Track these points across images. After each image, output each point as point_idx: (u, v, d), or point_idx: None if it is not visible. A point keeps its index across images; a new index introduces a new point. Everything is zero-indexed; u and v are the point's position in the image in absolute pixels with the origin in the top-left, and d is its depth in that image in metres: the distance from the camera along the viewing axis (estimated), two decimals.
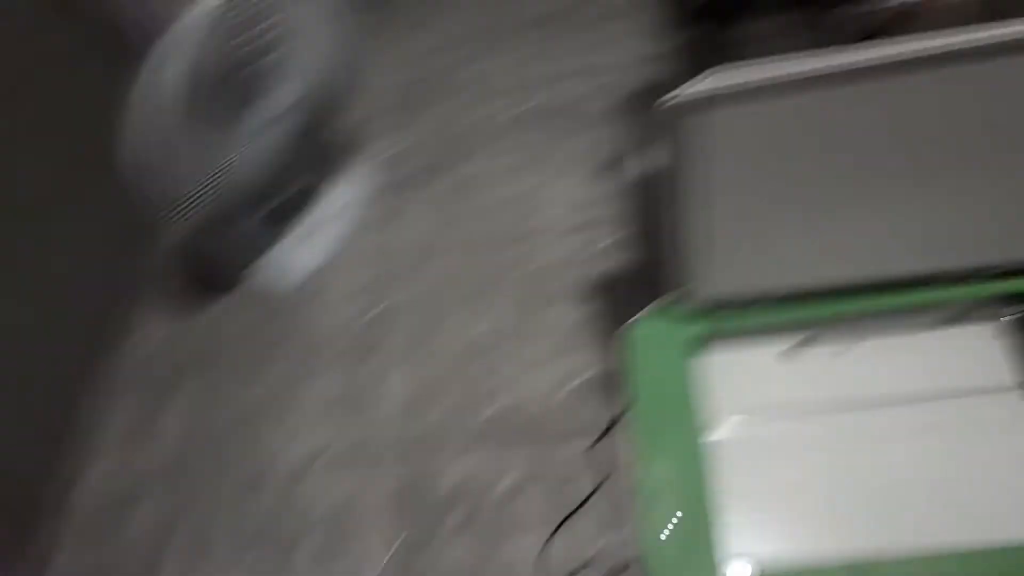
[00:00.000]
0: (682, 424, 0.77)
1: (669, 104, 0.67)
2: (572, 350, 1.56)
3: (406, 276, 1.77)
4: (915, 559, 0.67)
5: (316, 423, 1.55)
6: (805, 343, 0.83)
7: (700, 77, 0.68)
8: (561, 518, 1.35)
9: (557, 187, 1.82)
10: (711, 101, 0.67)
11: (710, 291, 0.80)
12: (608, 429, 0.99)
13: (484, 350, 1.62)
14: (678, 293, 0.81)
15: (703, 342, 0.84)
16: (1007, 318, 0.80)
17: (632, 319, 0.85)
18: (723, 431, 0.80)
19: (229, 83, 1.30)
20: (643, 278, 1.64)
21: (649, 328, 0.84)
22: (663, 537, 0.71)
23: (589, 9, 2.18)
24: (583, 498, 1.34)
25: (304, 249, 1.73)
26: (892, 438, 0.76)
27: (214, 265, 1.79)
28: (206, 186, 1.30)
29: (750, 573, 0.69)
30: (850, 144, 0.69)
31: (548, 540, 1.32)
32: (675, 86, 0.68)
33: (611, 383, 1.49)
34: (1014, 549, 0.66)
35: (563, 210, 1.78)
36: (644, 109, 1.88)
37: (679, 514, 0.72)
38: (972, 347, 0.80)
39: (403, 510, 1.43)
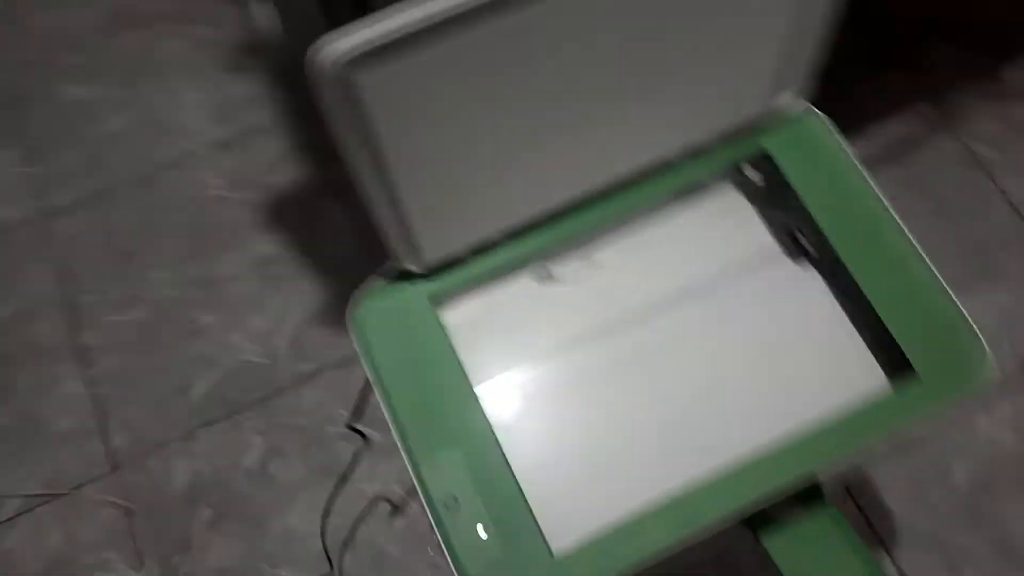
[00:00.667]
0: (454, 398, 0.64)
1: (324, 57, 0.47)
2: (275, 293, 1.35)
3: None
4: (730, 475, 0.62)
5: None
6: (547, 268, 0.72)
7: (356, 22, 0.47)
8: (330, 478, 1.22)
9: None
10: (371, 53, 0.48)
11: (428, 258, 0.65)
12: (359, 403, 0.84)
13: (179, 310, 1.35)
14: (395, 263, 0.65)
15: (443, 299, 0.69)
16: (753, 179, 0.74)
17: (355, 295, 0.68)
18: (495, 390, 0.68)
19: None
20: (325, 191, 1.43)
21: (376, 300, 0.68)
22: (478, 553, 0.60)
23: None
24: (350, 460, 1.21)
25: None
26: (668, 342, 0.70)
27: None
28: None
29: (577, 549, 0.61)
30: (525, 70, 0.54)
31: (328, 504, 1.19)
32: None
33: (330, 315, 1.32)
34: (822, 429, 0.63)
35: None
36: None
37: (480, 528, 0.61)
38: (718, 220, 0.74)
39: (142, 532, 1.21)
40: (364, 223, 1.34)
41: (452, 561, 0.60)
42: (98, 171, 1.44)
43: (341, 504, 1.19)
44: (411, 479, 0.63)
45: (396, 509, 1.19)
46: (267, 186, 1.42)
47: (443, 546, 0.61)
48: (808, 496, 0.73)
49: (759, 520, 0.73)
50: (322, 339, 1.29)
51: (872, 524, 1.14)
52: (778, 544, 0.72)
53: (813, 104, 0.73)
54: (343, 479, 1.19)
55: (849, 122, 0.73)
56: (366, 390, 0.84)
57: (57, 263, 1.36)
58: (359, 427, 1.20)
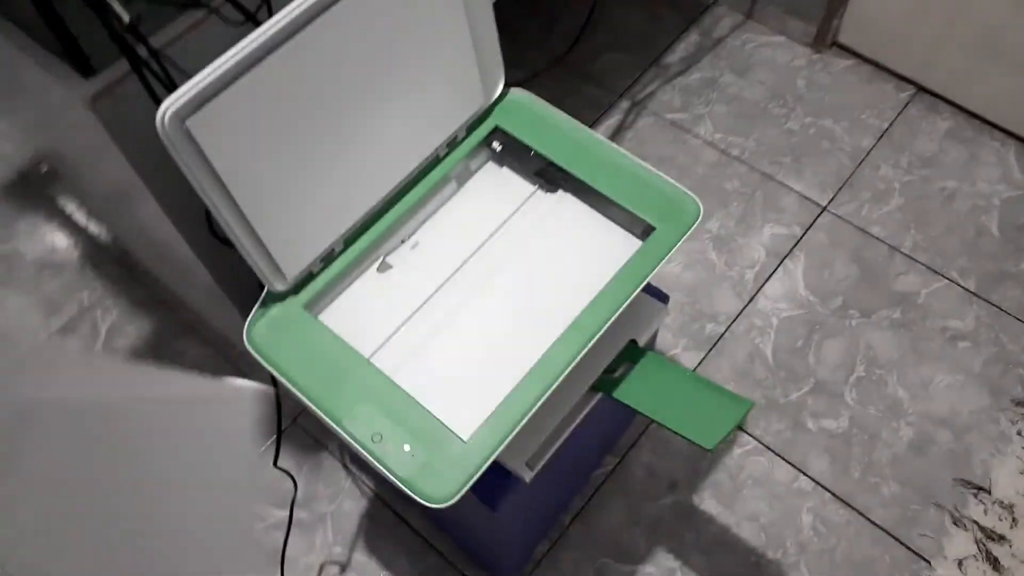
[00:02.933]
0: (351, 368, 0.83)
1: (162, 116, 0.67)
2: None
3: None
4: (563, 338, 0.84)
5: None
6: (382, 259, 0.94)
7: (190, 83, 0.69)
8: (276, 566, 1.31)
9: None
10: (195, 99, 0.69)
11: (286, 276, 0.84)
12: (278, 437, 0.98)
13: None
14: (271, 283, 0.84)
15: (315, 304, 0.89)
16: (498, 149, 1.00)
17: (247, 325, 0.85)
18: (380, 354, 0.87)
19: None
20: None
21: (263, 323, 0.86)
22: (410, 463, 0.77)
23: None
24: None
25: None
26: (489, 277, 0.93)
27: None
28: None
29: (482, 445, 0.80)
30: (301, 94, 0.77)
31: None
32: None
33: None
34: (612, 284, 0.87)
35: None
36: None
37: (405, 446, 0.78)
38: (490, 186, 0.99)
39: None
40: (221, 346, 1.49)
41: (394, 478, 0.77)
42: None
43: None
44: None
45: (343, 568, 1.31)
46: (118, 350, 1.52)
47: (384, 471, 0.78)
48: (632, 354, 0.98)
49: (605, 384, 0.96)
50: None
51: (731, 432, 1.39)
52: (624, 391, 0.95)
53: (516, 86, 1.00)
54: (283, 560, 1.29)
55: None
56: (279, 429, 0.98)
57: None
58: (283, 467, 1.31)
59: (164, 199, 0.96)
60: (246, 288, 1.07)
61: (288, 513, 1.24)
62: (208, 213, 0.88)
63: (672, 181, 0.94)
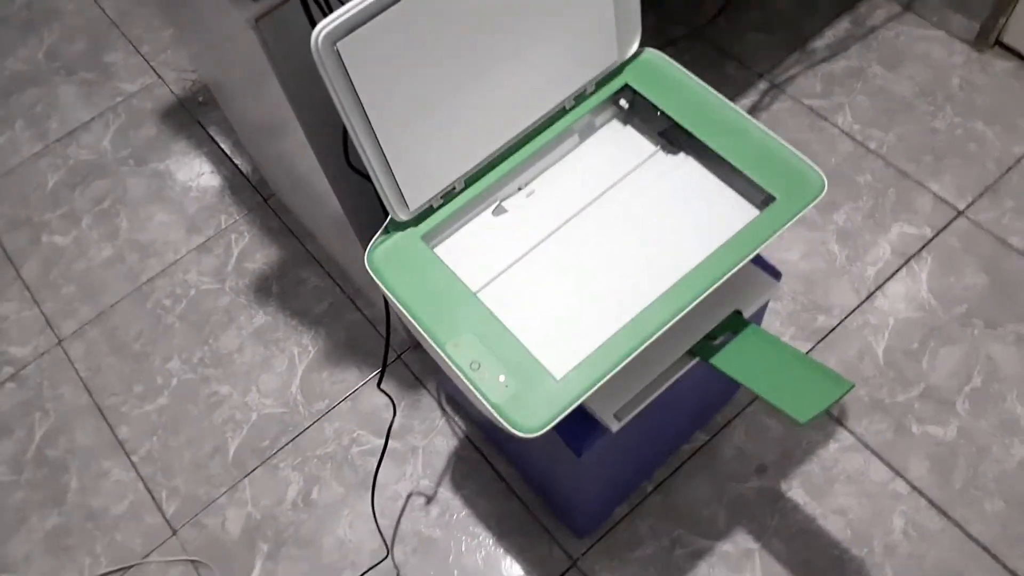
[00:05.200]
0: (459, 299, 0.87)
1: (315, 39, 0.72)
2: (278, 352, 1.56)
3: None
4: (667, 295, 0.85)
5: None
6: (498, 204, 0.97)
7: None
8: (367, 489, 1.39)
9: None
10: (347, 23, 0.74)
11: (409, 205, 0.89)
12: (384, 360, 1.04)
13: (198, 389, 1.54)
14: (394, 211, 0.89)
15: (433, 237, 0.93)
16: (625, 107, 1.01)
17: (368, 250, 0.90)
18: (488, 290, 0.91)
19: None
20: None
21: (383, 248, 0.91)
22: (503, 392, 0.81)
23: None
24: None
25: None
26: (602, 230, 0.94)
27: None
28: None
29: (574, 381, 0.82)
30: (453, 29, 0.81)
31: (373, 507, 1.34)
32: None
33: (329, 359, 1.52)
34: (723, 249, 0.87)
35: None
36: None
37: (501, 377, 0.82)
38: (614, 142, 1.01)
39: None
40: (340, 278, 1.57)
41: (487, 404, 0.81)
42: (95, 297, 1.63)
43: (382, 506, 1.36)
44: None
45: (429, 500, 1.37)
46: (248, 271, 1.64)
47: (479, 398, 0.82)
48: (735, 324, 0.97)
49: (704, 350, 0.96)
50: (328, 379, 1.49)
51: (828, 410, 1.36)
52: (722, 359, 0.95)
53: (652, 47, 1.01)
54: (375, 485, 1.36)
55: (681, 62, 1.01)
56: (386, 354, 1.03)
57: (82, 378, 1.54)
58: (385, 390, 1.38)
59: (310, 127, 1.02)
60: (369, 223, 1.13)
61: (384, 440, 1.31)
62: (346, 141, 0.94)
63: (798, 153, 0.93)
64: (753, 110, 1.73)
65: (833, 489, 1.30)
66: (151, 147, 1.84)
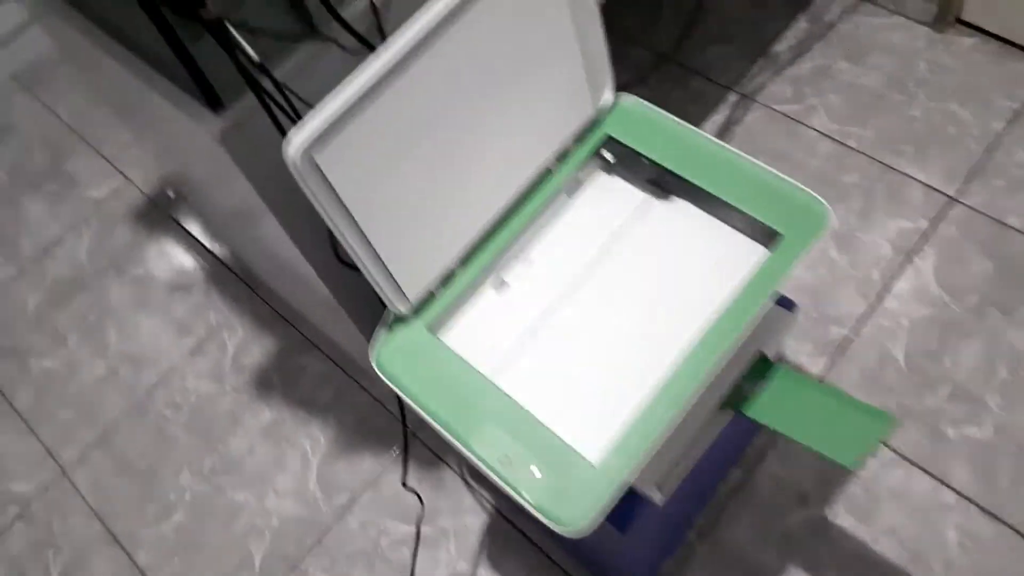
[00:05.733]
0: (474, 389, 0.83)
1: (299, 151, 0.69)
2: (289, 448, 1.51)
3: None
4: (692, 354, 0.82)
5: None
6: (498, 277, 0.93)
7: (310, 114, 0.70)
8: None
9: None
10: (322, 134, 0.70)
11: (409, 298, 0.85)
12: (405, 451, 1.00)
13: (213, 499, 1.48)
14: (395, 306, 0.85)
15: (437, 326, 0.89)
16: (610, 159, 0.98)
17: (371, 347, 0.87)
18: (502, 373, 0.87)
19: None
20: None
21: (389, 346, 0.87)
22: (540, 487, 0.77)
23: None
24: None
25: None
26: (607, 290, 0.91)
27: None
28: None
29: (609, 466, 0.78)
30: (427, 118, 0.78)
31: None
32: None
33: (343, 446, 1.47)
34: (740, 296, 0.84)
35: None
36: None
37: (534, 469, 0.78)
38: (601, 195, 0.98)
39: None
40: (340, 360, 1.52)
41: (525, 503, 0.77)
42: (93, 418, 1.58)
43: None
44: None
45: None
46: (246, 367, 1.59)
47: (513, 495, 0.78)
48: (761, 368, 0.94)
49: (736, 399, 0.93)
50: (345, 469, 1.44)
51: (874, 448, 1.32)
52: (756, 408, 0.92)
53: (622, 88, 0.98)
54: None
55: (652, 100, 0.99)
56: (405, 450, 0.99)
57: (91, 507, 1.48)
58: (412, 486, 1.33)
59: (288, 223, 0.99)
60: (364, 305, 1.09)
61: (415, 530, 1.26)
62: (332, 240, 0.90)
63: (796, 183, 0.90)
64: (727, 125, 1.71)
65: (880, 508, 1.26)
66: (128, 253, 1.80)
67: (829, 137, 1.65)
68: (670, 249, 0.93)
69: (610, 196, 0.98)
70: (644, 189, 0.97)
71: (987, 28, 1.72)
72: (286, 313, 1.64)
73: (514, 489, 0.78)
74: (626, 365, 0.86)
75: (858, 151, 1.62)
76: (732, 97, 1.75)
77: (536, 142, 0.91)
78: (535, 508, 0.76)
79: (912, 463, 1.28)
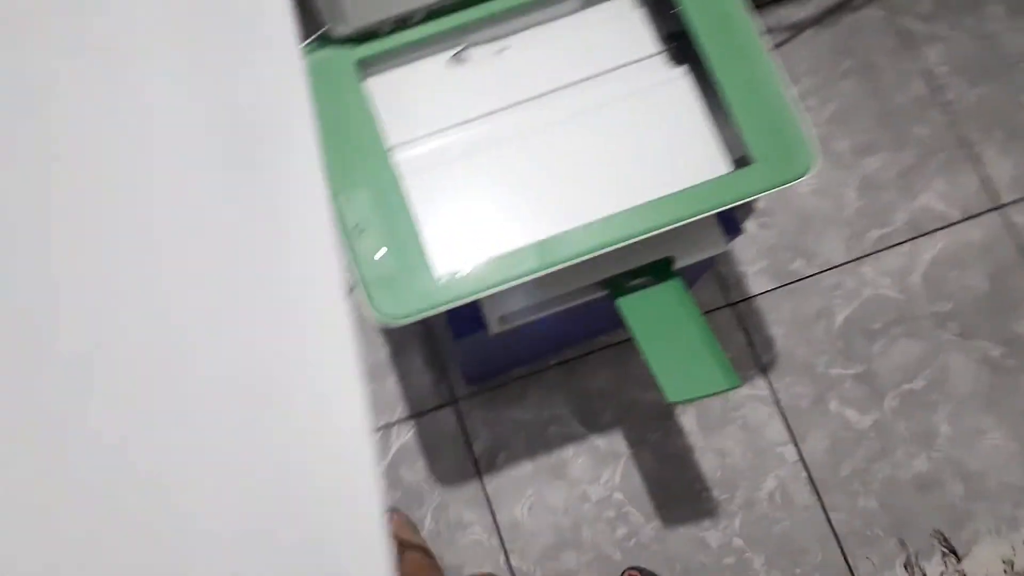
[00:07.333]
0: (368, 150, 0.78)
1: None
2: None
3: None
4: (593, 225, 0.77)
5: None
6: (463, 50, 0.84)
7: None
8: None
9: None
10: None
11: (352, 20, 0.77)
12: None
13: None
14: (329, 23, 0.78)
15: (368, 67, 0.82)
16: None
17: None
18: (407, 150, 0.82)
19: None
20: None
21: (314, 59, 0.80)
22: (375, 264, 0.75)
23: None
24: None
25: None
26: (559, 123, 0.83)
27: None
28: None
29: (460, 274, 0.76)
30: None
31: None
32: None
33: None
34: (670, 198, 0.77)
35: None
36: None
37: (382, 251, 0.76)
38: (615, 23, 0.86)
39: None
40: None
41: (356, 274, 0.76)
42: None
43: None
44: None
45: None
46: None
47: (352, 262, 0.76)
48: (659, 270, 0.89)
49: (617, 284, 0.89)
50: None
51: (754, 347, 1.31)
52: (629, 304, 0.89)
53: None
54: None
55: None
56: None
57: None
58: None
59: None
60: None
61: None
62: None
63: (803, 125, 0.80)
64: (835, 10, 1.49)
65: (724, 430, 1.28)
66: None
67: (930, 77, 1.46)
68: (646, 119, 0.84)
69: (623, 28, 0.87)
70: (659, 41, 0.86)
71: None
72: None
73: (354, 257, 0.76)
74: (531, 204, 0.81)
75: (946, 108, 1.44)
76: None
77: None
78: (362, 283, 0.76)
79: (780, 411, 1.29)
